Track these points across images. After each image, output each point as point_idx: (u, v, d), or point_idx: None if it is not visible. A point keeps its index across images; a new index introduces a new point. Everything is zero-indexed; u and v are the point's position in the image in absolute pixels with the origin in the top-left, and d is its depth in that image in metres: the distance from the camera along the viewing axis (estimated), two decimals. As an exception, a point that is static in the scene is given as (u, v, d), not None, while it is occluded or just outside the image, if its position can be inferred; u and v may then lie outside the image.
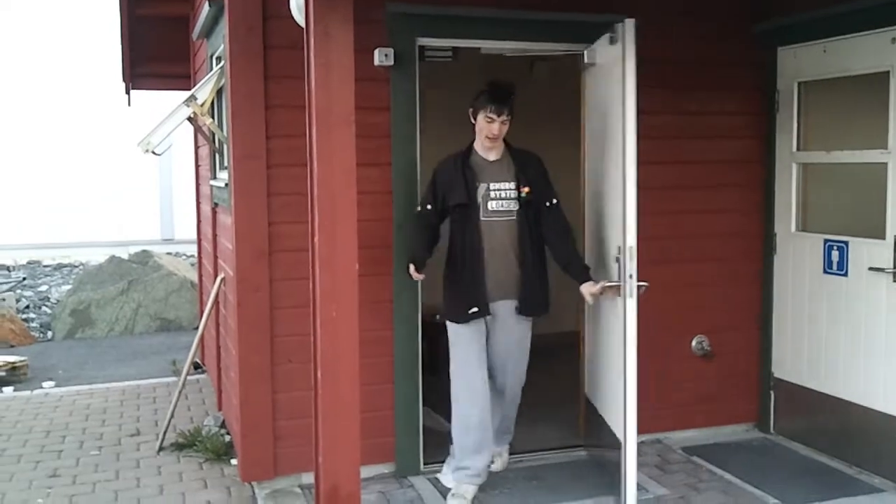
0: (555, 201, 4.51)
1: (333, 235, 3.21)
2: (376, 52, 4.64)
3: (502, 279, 4.49)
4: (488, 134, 4.39)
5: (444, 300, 4.58)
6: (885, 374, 4.76)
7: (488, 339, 4.59)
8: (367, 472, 4.74)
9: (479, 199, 4.42)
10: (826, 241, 5.13)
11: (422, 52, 4.89)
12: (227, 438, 5.59)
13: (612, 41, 4.34)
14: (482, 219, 4.42)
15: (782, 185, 5.42)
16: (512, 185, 4.44)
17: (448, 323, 4.58)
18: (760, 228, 5.54)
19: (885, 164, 4.72)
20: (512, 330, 4.60)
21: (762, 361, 5.61)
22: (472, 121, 4.46)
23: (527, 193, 4.42)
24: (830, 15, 4.99)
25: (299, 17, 3.47)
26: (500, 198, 4.43)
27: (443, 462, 4.86)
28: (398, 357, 4.86)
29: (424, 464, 4.96)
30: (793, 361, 5.42)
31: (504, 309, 4.54)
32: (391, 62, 4.67)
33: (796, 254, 5.36)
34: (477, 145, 4.52)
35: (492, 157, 4.50)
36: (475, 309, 4.44)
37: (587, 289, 4.41)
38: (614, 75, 4.31)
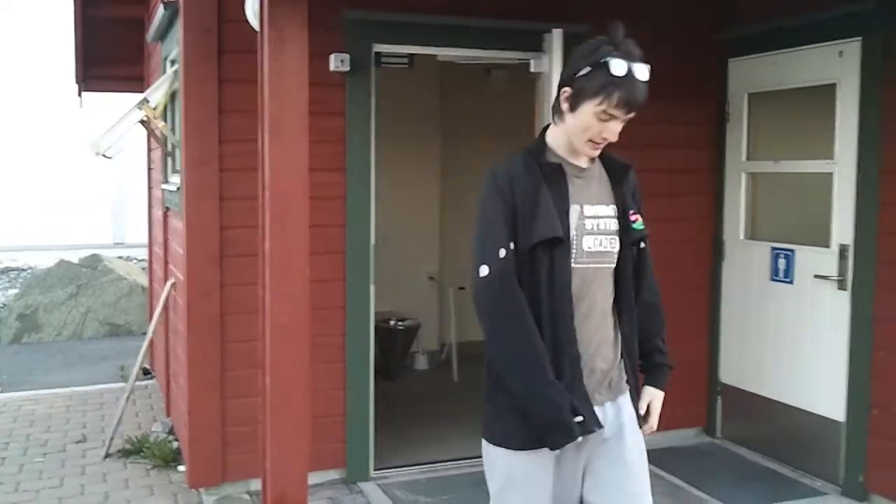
0: (645, 242, 2.78)
1: (285, 241, 3.21)
2: (332, 57, 4.63)
3: (599, 366, 2.62)
4: (595, 137, 2.53)
5: (488, 408, 2.64)
6: (828, 380, 4.86)
7: (582, 481, 2.66)
8: (317, 478, 4.75)
9: (573, 233, 2.58)
10: (773, 248, 5.23)
11: (378, 58, 4.90)
12: (176, 445, 5.53)
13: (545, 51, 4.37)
14: (575, 265, 2.57)
15: (732, 194, 5.52)
16: (611, 209, 2.66)
17: (493, 451, 2.62)
18: (710, 236, 5.63)
19: (831, 174, 4.83)
20: (623, 453, 2.65)
21: (710, 367, 5.70)
22: (561, 106, 2.56)
23: (638, 225, 2.71)
24: (780, 28, 5.10)
25: (255, 21, 3.46)
26: (598, 231, 2.61)
27: (394, 467, 4.86)
28: (350, 363, 4.84)
29: (375, 469, 4.96)
30: (739, 367, 5.51)
31: (611, 417, 2.64)
32: (347, 68, 4.67)
33: (744, 261, 5.45)
34: (556, 144, 2.63)
35: (583, 163, 2.65)
36: (579, 418, 2.47)
37: (651, 400, 2.76)
38: (552, 84, 4.34)
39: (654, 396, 2.76)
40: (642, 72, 2.46)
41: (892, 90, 4.49)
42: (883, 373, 4.58)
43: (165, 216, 6.39)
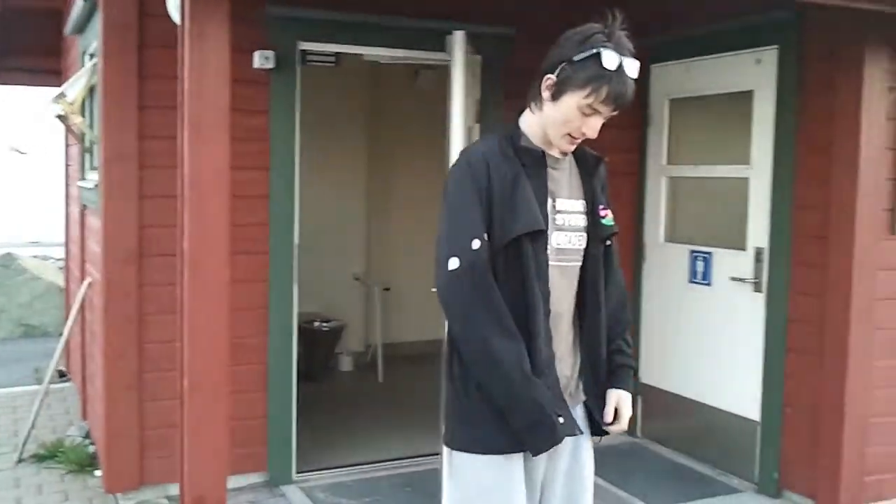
0: (613, 239, 2.63)
1: (203, 240, 3.16)
2: (256, 54, 4.58)
3: (563, 371, 2.50)
4: (574, 132, 2.39)
5: (455, 411, 2.46)
6: (743, 379, 4.98)
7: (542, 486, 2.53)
8: (238, 481, 4.68)
9: (549, 227, 2.43)
10: (692, 251, 5.34)
11: (304, 55, 4.85)
12: (92, 449, 5.38)
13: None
14: (551, 262, 2.44)
15: (653, 197, 5.62)
16: (580, 204, 2.52)
17: (459, 457, 2.44)
18: (632, 238, 5.72)
19: (747, 178, 4.95)
20: (582, 461, 2.60)
21: (631, 367, 5.78)
22: (542, 93, 2.39)
23: (608, 221, 2.58)
24: (700, 35, 5.22)
25: (176, 15, 3.40)
26: (568, 226, 2.48)
27: (317, 470, 4.81)
28: (272, 365, 4.79)
29: (298, 472, 4.91)
30: (659, 367, 5.61)
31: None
32: (272, 65, 4.62)
33: (664, 263, 5.56)
34: (531, 132, 2.46)
35: (557, 153, 2.49)
36: (561, 419, 2.35)
37: (618, 403, 2.59)
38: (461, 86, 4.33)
39: (620, 398, 2.58)
40: (633, 68, 2.32)
41: (807, 98, 4.63)
42: (796, 373, 4.71)
43: (83, 214, 6.23)
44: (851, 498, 4.49)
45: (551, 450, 2.37)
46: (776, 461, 4.80)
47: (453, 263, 2.30)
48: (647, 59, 5.54)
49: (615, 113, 2.36)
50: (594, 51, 2.27)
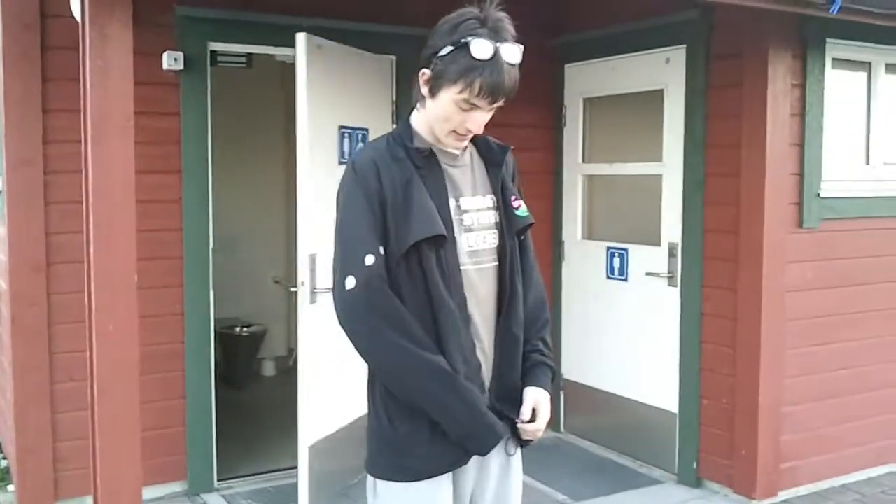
0: (527, 232, 2.46)
1: (110, 246, 3.09)
2: (165, 55, 4.49)
3: (486, 379, 2.31)
4: (458, 128, 2.20)
5: (376, 437, 2.29)
6: (661, 372, 5.07)
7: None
8: (156, 491, 4.61)
9: (455, 230, 2.24)
10: (609, 248, 5.42)
11: (214, 56, 4.78)
12: (4, 463, 5.22)
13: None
14: (463, 266, 2.25)
15: (570, 196, 5.68)
16: (489, 199, 2.33)
17: (384, 486, 2.26)
18: (550, 236, 5.77)
19: (660, 175, 5.04)
20: (509, 476, 2.39)
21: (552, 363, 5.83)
22: (422, 90, 2.21)
23: (521, 212, 2.39)
24: (611, 35, 5.29)
25: (79, 15, 3.31)
26: (478, 226, 2.29)
27: (239, 477, 4.74)
28: (189, 371, 4.70)
29: (219, 480, 4.83)
30: (580, 363, 5.67)
31: None
32: (181, 66, 4.53)
33: (582, 260, 5.62)
34: (422, 130, 2.27)
35: (459, 147, 2.30)
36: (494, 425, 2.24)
37: (535, 402, 2.33)
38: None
39: (537, 397, 2.32)
40: (511, 53, 2.11)
41: (715, 95, 4.73)
42: (711, 365, 4.81)
43: (-11, 222, 6.02)
44: (768, 485, 4.61)
45: (479, 465, 2.27)
46: (695, 452, 4.90)
47: (350, 283, 2.12)
48: (561, 59, 5.64)
49: (499, 104, 2.17)
50: (462, 41, 2.07)
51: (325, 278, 3.97)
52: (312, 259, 4.22)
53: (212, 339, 4.76)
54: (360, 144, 4.80)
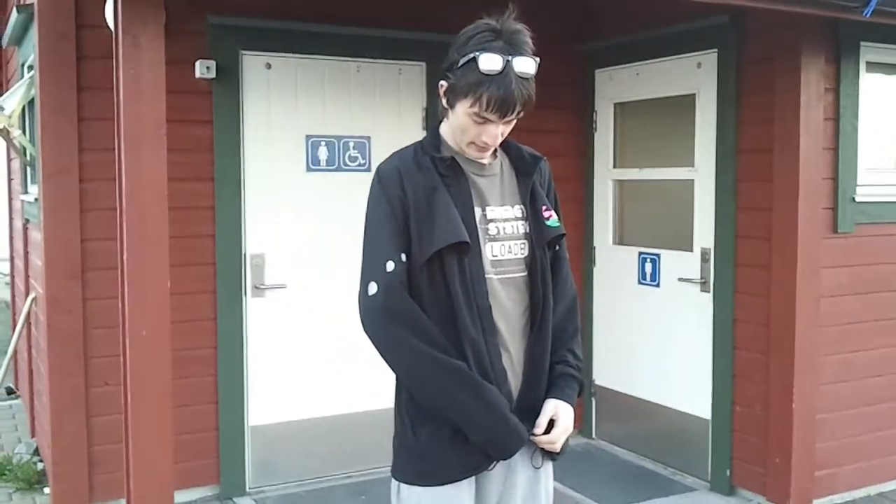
0: (562, 243, 2.43)
1: (143, 252, 3.12)
2: (197, 64, 4.53)
3: (513, 389, 2.29)
4: (476, 140, 2.20)
5: (401, 442, 2.31)
6: (694, 379, 5.03)
7: None
8: (188, 495, 4.65)
9: (480, 239, 2.24)
10: (640, 253, 5.39)
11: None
12: (41, 466, 5.28)
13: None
14: (487, 275, 2.24)
15: (600, 201, 5.66)
16: (518, 210, 2.32)
17: (408, 491, 2.28)
18: (581, 242, 5.75)
19: (692, 180, 5.01)
20: (537, 489, 2.37)
21: (584, 369, 5.81)
22: (443, 102, 2.23)
23: (553, 223, 2.34)
24: (642, 40, 5.26)
25: (113, 25, 3.35)
26: (504, 235, 2.28)
27: (272, 483, 4.76)
28: (222, 376, 4.74)
29: (251, 485, 4.85)
30: (611, 369, 5.64)
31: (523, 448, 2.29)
32: (213, 74, 4.57)
33: (614, 266, 5.59)
34: (450, 139, 2.29)
35: (485, 158, 2.31)
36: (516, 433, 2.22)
37: (554, 413, 2.28)
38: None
39: (557, 408, 2.27)
40: (524, 65, 2.07)
41: (747, 100, 4.69)
42: (744, 371, 4.77)
43: (25, 228, 6.13)
44: (802, 493, 4.55)
45: (506, 472, 2.26)
46: (728, 459, 4.85)
47: (372, 289, 2.15)
48: (591, 65, 5.62)
49: (512, 117, 2.14)
50: (471, 55, 2.07)
51: (271, 276, 4.80)
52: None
53: (244, 343, 4.79)
54: (351, 152, 4.97)
